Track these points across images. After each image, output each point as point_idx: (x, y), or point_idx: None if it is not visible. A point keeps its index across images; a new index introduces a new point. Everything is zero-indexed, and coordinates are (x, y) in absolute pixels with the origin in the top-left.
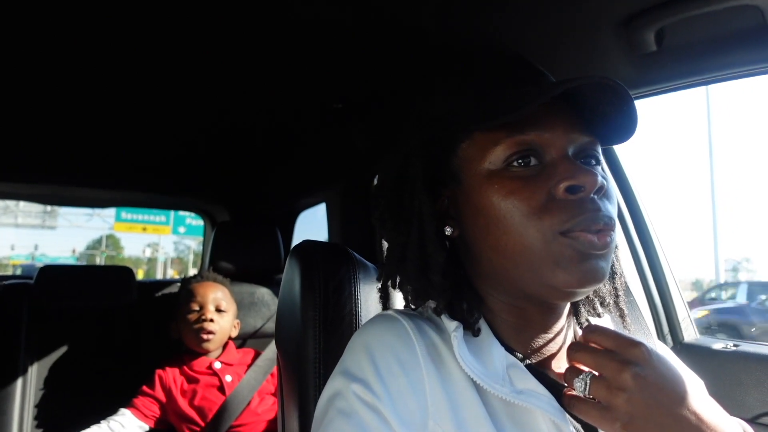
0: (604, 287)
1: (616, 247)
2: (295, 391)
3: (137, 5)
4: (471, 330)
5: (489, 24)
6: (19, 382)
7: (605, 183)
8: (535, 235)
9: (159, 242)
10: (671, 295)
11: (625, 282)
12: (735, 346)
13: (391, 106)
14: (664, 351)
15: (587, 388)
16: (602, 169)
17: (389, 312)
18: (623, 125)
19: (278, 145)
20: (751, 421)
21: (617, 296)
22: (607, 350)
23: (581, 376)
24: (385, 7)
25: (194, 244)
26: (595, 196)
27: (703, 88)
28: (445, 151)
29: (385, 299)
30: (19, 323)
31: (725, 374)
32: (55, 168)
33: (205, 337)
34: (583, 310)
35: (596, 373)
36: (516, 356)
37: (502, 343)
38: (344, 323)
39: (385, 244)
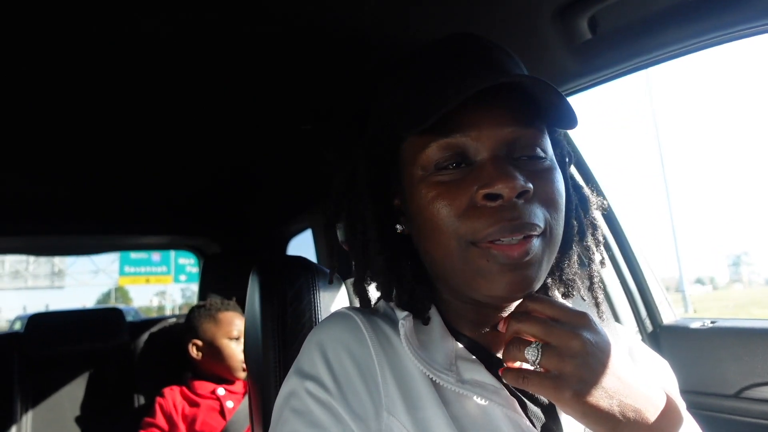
0: (572, 274)
1: (596, 233)
2: (260, 403)
3: (123, 57)
4: (421, 318)
5: (426, 18)
6: (13, 430)
7: (529, 187)
8: (453, 243)
9: (166, 291)
10: (645, 279)
11: (600, 271)
12: (712, 323)
13: (354, 117)
14: (631, 337)
15: (539, 357)
16: (550, 159)
17: (342, 309)
18: (567, 113)
19: (256, 177)
20: (735, 396)
21: (591, 283)
22: (554, 319)
23: (533, 345)
24: (328, 16)
25: None
26: (519, 201)
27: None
28: (389, 152)
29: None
30: (11, 373)
31: (705, 352)
32: (54, 219)
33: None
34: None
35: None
36: (465, 342)
37: (456, 331)
38: (303, 331)
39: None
